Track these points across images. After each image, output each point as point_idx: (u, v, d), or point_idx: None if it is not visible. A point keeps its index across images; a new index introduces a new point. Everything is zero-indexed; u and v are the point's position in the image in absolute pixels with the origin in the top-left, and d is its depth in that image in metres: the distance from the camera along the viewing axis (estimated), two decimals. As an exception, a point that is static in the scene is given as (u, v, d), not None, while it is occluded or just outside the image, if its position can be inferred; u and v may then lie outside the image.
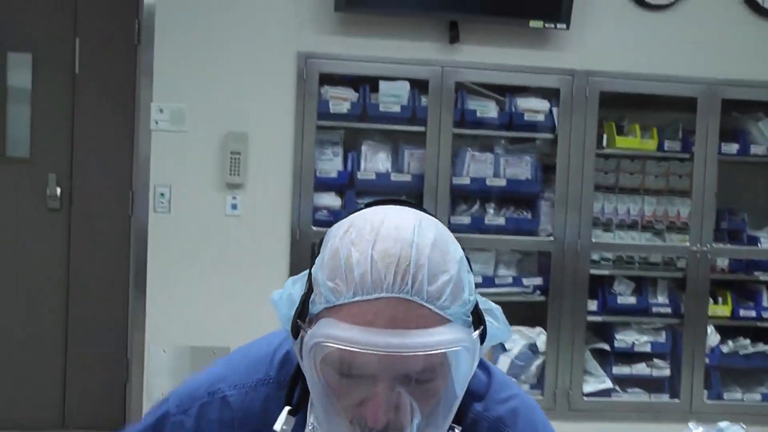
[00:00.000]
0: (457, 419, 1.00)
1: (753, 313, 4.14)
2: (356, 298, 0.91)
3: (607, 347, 4.09)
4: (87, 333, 4.11)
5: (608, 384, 4.02)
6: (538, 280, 4.02)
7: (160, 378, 3.68)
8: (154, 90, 3.70)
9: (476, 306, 0.97)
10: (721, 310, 4.11)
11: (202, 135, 3.72)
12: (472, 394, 1.06)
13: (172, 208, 3.72)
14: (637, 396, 4.06)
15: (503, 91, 3.95)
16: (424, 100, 3.84)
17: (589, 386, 3.99)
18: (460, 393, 0.97)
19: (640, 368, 4.07)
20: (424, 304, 0.91)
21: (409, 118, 3.83)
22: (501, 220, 3.96)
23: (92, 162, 4.25)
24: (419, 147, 3.86)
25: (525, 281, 4.00)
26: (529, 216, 4.03)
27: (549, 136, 3.97)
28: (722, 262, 4.17)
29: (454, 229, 4.01)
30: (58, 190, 4.20)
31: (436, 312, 0.92)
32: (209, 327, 3.71)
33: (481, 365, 1.09)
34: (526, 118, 3.92)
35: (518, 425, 1.08)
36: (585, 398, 3.96)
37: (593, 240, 3.95)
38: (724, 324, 4.13)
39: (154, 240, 3.72)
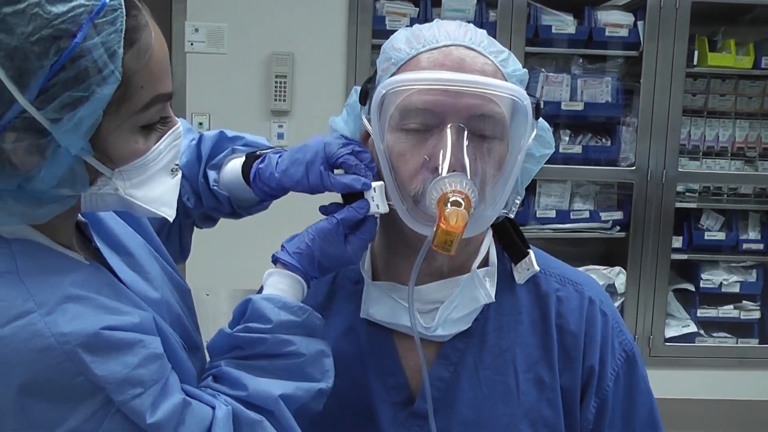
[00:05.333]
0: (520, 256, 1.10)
1: None
2: (426, 47, 1.00)
3: (691, 288, 3.74)
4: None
5: (692, 328, 3.68)
6: (617, 215, 3.64)
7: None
8: (188, 7, 3.33)
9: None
10: (819, 245, 3.72)
11: (242, 57, 3.35)
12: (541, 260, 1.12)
13: (214, 139, 3.38)
14: (723, 341, 3.72)
15: (582, 4, 3.51)
16: (492, 14, 3.42)
17: (672, 330, 3.65)
18: (517, 165, 1.00)
19: (728, 310, 3.73)
20: (487, 55, 1.00)
21: (476, 36, 3.40)
22: (577, 148, 3.58)
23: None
24: (486, 68, 3.44)
25: (603, 216, 3.63)
26: (609, 143, 3.63)
27: (633, 53, 3.53)
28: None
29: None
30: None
31: (498, 67, 1.01)
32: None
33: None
34: (607, 33, 3.48)
35: (584, 286, 1.13)
36: (666, 344, 3.62)
37: (679, 170, 3.54)
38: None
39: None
